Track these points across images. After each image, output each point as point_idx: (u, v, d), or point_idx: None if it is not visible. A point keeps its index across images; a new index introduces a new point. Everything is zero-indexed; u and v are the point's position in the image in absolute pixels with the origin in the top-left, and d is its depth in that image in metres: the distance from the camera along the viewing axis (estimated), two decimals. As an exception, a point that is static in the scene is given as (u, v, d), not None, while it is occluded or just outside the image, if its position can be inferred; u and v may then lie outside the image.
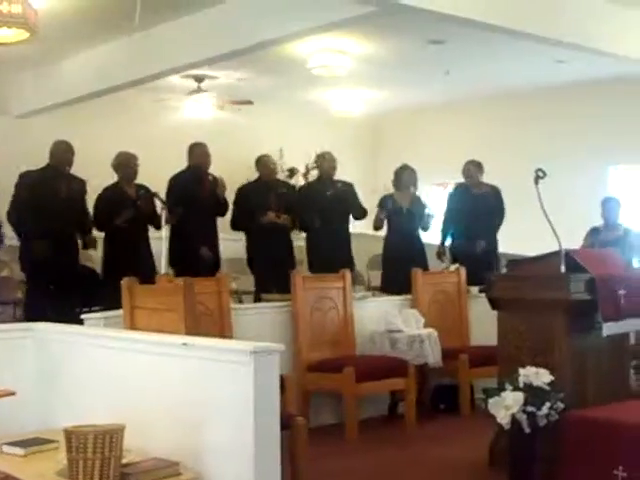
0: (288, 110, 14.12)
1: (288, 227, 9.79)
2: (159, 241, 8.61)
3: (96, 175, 9.22)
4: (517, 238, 10.48)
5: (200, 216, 9.28)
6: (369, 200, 10.45)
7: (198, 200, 9.30)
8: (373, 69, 11.71)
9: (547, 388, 5.34)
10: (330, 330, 7.76)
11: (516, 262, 6.49)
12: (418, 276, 8.54)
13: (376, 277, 10.96)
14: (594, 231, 9.91)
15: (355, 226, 10.34)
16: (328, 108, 13.79)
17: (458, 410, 8.01)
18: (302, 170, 13.84)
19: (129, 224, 9.02)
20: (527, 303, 5.75)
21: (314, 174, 11.56)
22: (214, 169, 9.62)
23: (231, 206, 9.67)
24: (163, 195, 9.15)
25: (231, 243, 9.85)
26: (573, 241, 6.45)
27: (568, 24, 8.79)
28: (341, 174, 10.20)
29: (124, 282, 5.55)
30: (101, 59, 10.61)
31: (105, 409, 4.53)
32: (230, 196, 9.68)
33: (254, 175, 9.95)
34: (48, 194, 8.71)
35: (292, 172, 13.76)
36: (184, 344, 4.27)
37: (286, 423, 4.89)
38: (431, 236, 10.35)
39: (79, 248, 9.11)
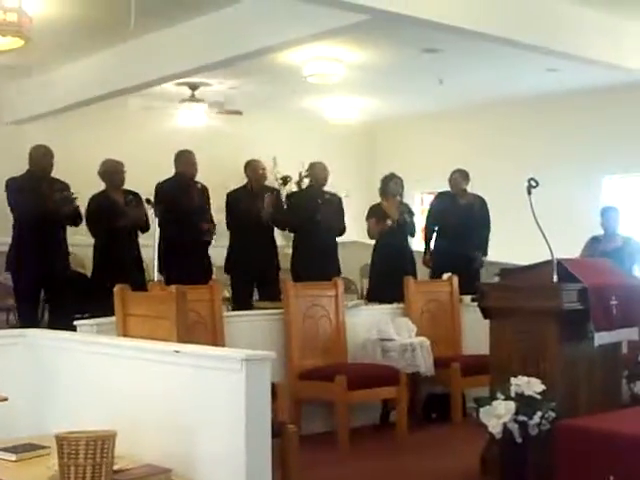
0: (282, 118, 14.14)
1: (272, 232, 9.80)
2: (149, 249, 8.63)
3: (88, 182, 9.21)
4: (510, 247, 10.50)
5: (187, 223, 9.23)
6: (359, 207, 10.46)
7: (184, 207, 9.26)
8: (367, 77, 11.74)
9: (539, 397, 5.34)
10: (322, 338, 7.75)
11: (508, 271, 6.49)
12: (410, 285, 8.54)
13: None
14: (594, 240, 9.90)
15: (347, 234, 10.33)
16: (322, 116, 13.82)
17: (450, 419, 8.00)
18: (295, 178, 13.84)
19: (119, 230, 9.01)
20: (519, 312, 5.74)
21: (307, 182, 11.55)
22: (207, 177, 9.60)
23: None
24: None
25: (221, 250, 9.80)
26: (567, 251, 6.45)
27: (560, 33, 8.83)
28: (334, 182, 10.19)
29: (117, 289, 5.55)
30: (95, 66, 10.63)
31: (97, 415, 4.52)
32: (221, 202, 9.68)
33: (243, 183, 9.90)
34: (33, 198, 8.69)
35: (285, 180, 13.77)
36: (176, 351, 4.27)
37: (277, 431, 4.88)
38: (417, 244, 10.41)
39: (69, 252, 9.11)
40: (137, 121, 12.91)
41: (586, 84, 11.80)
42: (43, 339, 5.34)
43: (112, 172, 9.24)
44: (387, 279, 9.49)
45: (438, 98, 13.18)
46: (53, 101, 11.41)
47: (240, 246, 9.54)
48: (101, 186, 9.28)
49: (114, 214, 9.03)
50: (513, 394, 5.37)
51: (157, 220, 9.28)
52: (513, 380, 5.43)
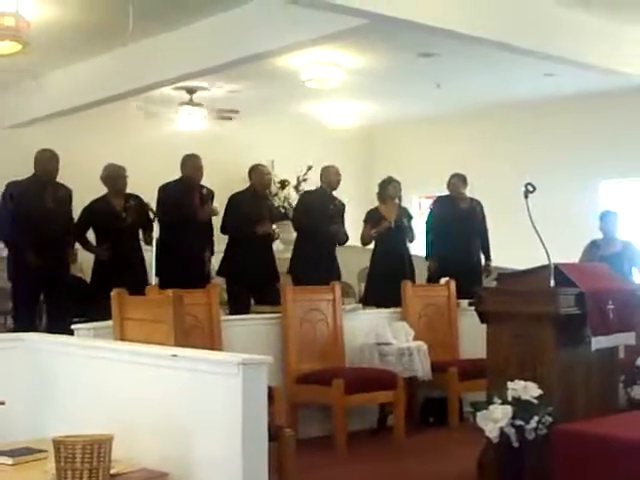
0: (280, 122, 14.14)
1: (274, 239, 9.80)
2: (148, 253, 8.62)
3: (88, 187, 9.21)
4: (507, 252, 10.50)
5: (189, 227, 9.21)
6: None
7: (186, 211, 9.26)
8: (365, 81, 11.75)
9: (536, 402, 5.34)
10: (319, 342, 7.75)
11: (505, 275, 6.49)
12: (408, 289, 8.54)
13: (366, 289, 10.95)
14: (593, 245, 9.92)
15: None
16: (320, 120, 13.83)
17: (447, 423, 8.00)
18: (294, 182, 13.85)
19: (117, 235, 9.01)
20: (516, 317, 5.74)
21: (305, 186, 11.57)
22: (205, 181, 9.59)
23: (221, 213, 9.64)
24: (154, 206, 9.20)
25: (221, 255, 9.80)
26: (564, 255, 6.45)
27: (557, 37, 8.85)
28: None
29: (114, 293, 5.55)
30: (94, 70, 10.64)
31: (94, 419, 4.52)
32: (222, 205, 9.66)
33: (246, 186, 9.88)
34: (35, 204, 8.68)
35: (283, 184, 13.78)
36: (173, 355, 4.27)
37: (274, 435, 4.88)
38: (417, 248, 10.39)
39: (69, 258, 9.10)
40: (135, 125, 12.91)
41: (583, 89, 11.82)
42: (41, 343, 5.33)
43: (114, 177, 9.22)
44: (384, 283, 9.48)
45: (435, 102, 13.20)
46: (52, 105, 11.42)
47: (237, 250, 9.46)
48: (101, 190, 9.27)
49: (112, 219, 9.03)
50: (510, 398, 5.37)
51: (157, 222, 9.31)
52: (510, 384, 5.43)
